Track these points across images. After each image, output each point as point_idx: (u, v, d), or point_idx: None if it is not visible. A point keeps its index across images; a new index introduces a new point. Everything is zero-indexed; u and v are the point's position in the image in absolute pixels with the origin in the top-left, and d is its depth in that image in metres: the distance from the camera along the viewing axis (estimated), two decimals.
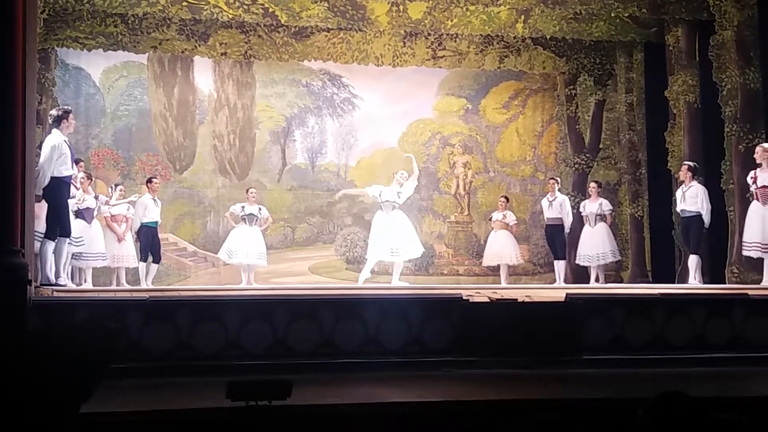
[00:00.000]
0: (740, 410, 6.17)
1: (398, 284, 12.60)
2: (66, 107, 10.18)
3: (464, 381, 7.78)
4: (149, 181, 13.13)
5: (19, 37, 7.74)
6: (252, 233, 13.47)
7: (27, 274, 7.56)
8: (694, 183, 12.28)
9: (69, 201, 9.96)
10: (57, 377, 2.23)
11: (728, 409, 6.21)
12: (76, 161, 11.74)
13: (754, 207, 11.25)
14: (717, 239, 12.56)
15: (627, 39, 14.78)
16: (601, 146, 15.90)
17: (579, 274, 14.54)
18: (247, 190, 13.89)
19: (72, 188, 10.73)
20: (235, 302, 8.71)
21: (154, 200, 12.92)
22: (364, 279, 13.08)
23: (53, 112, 9.85)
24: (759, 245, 11.17)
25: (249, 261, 13.41)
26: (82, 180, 11.90)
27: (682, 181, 12.44)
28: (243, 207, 13.53)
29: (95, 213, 12.18)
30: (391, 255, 12.89)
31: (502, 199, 14.92)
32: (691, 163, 12.52)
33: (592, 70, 15.80)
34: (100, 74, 14.95)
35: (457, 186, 16.49)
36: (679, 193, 12.47)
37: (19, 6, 7.78)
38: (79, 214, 11.60)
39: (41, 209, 9.50)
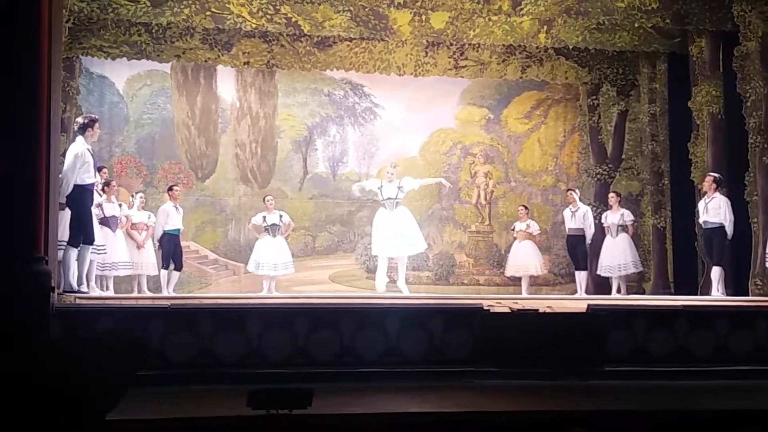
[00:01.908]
0: (762, 423, 6.12)
1: (404, 289, 12.50)
2: (92, 116, 10.20)
3: (485, 391, 7.77)
4: (170, 189, 13.19)
5: (45, 46, 7.81)
6: (277, 244, 13.51)
7: (50, 281, 7.61)
8: (717, 194, 12.22)
9: (92, 209, 10.04)
10: (82, 385, 2.24)
11: (750, 422, 6.16)
12: (99, 168, 11.82)
13: None
14: (740, 251, 12.47)
15: (650, 49, 14.70)
16: (623, 157, 15.82)
17: (600, 285, 14.47)
18: (264, 199, 13.90)
19: (96, 195, 10.81)
20: (256, 310, 8.74)
21: (176, 208, 12.97)
22: (384, 284, 12.78)
23: (79, 119, 9.92)
24: None
25: (277, 272, 13.49)
26: (114, 187, 12.00)
27: (705, 192, 12.38)
28: (264, 217, 13.57)
29: (119, 221, 12.25)
30: (400, 250, 12.73)
31: (522, 209, 14.87)
32: (716, 175, 12.45)
33: (615, 80, 15.74)
34: (124, 83, 15.03)
35: (478, 196, 16.45)
36: (701, 205, 12.41)
37: (44, 15, 7.85)
38: (104, 222, 11.66)
39: (64, 217, 9.56)
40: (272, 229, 13.52)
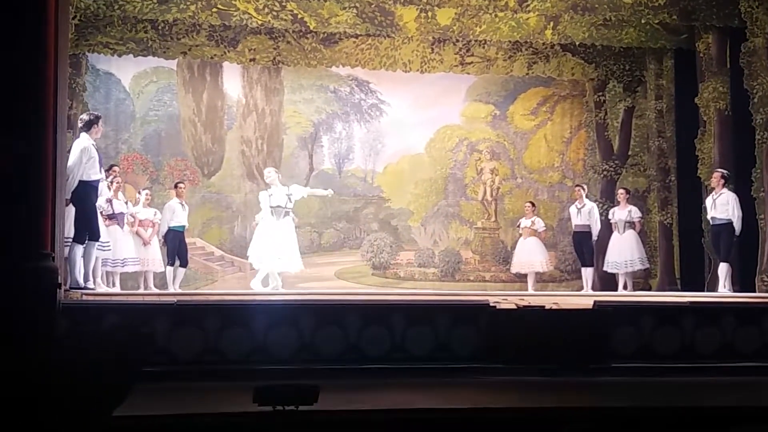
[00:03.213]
0: None
1: (259, 288, 11.98)
2: (96, 113, 10.23)
3: (491, 388, 7.77)
4: (176, 185, 13.19)
5: (51, 43, 7.81)
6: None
7: (57, 277, 7.62)
8: (725, 190, 12.19)
9: (101, 205, 10.05)
10: (89, 381, 2.24)
11: (756, 419, 6.15)
12: (110, 167, 11.84)
13: None
14: (747, 247, 12.44)
15: (657, 45, 14.68)
16: (630, 153, 15.80)
17: (607, 282, 14.45)
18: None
19: (105, 190, 10.83)
20: (262, 307, 8.74)
21: (182, 204, 12.96)
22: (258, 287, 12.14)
23: (84, 116, 9.91)
24: None
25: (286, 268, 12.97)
26: (117, 184, 11.98)
27: (713, 188, 12.36)
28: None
29: (126, 218, 12.26)
30: (278, 261, 12.14)
31: (528, 205, 14.84)
32: (723, 171, 12.42)
33: (621, 76, 15.71)
34: (130, 79, 15.06)
35: (485, 192, 16.45)
36: (709, 201, 12.38)
37: (51, 12, 7.86)
38: (111, 218, 11.68)
39: (70, 213, 9.56)
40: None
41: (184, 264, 12.92)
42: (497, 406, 6.62)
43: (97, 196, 9.88)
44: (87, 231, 9.40)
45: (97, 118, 9.76)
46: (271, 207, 12.20)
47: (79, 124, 9.80)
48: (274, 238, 12.10)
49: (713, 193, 12.33)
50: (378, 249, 15.84)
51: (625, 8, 12.84)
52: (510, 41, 14.72)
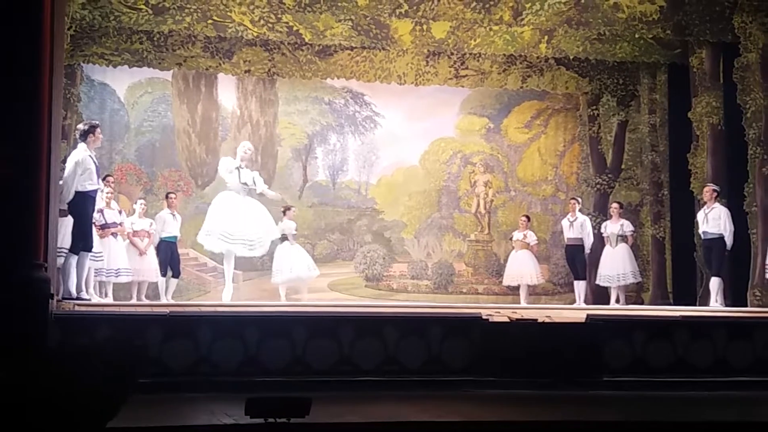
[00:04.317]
0: None
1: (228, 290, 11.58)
2: (93, 122, 10.22)
3: (483, 401, 7.76)
4: (167, 196, 13.19)
5: (46, 53, 7.82)
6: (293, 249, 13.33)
7: (49, 288, 7.61)
8: (717, 204, 12.24)
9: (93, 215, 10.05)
10: (81, 393, 2.24)
11: None
12: (104, 177, 11.84)
13: None
14: (739, 262, 12.48)
15: (651, 60, 14.75)
16: (623, 167, 15.84)
17: (599, 295, 14.47)
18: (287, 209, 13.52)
19: (100, 201, 10.82)
20: (255, 318, 8.73)
21: (173, 215, 12.96)
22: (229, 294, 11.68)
23: (80, 126, 9.93)
24: None
25: (299, 274, 13.25)
26: (108, 194, 11.97)
27: (705, 203, 12.39)
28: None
29: (118, 228, 12.25)
30: (249, 249, 11.55)
31: (524, 219, 14.88)
32: (715, 185, 12.47)
33: (615, 90, 15.77)
34: (125, 90, 15.06)
35: (478, 205, 16.47)
36: (701, 215, 12.42)
37: (46, 22, 7.87)
38: (104, 228, 11.68)
39: (64, 223, 9.56)
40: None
41: (176, 275, 12.92)
42: (489, 419, 6.62)
43: (94, 207, 9.90)
44: (81, 241, 9.41)
45: (93, 127, 9.76)
46: (240, 183, 11.56)
47: (76, 135, 9.81)
48: (242, 218, 11.45)
49: (705, 207, 12.36)
50: (371, 261, 15.84)
51: (619, 23, 12.89)
52: (504, 55, 14.77)
